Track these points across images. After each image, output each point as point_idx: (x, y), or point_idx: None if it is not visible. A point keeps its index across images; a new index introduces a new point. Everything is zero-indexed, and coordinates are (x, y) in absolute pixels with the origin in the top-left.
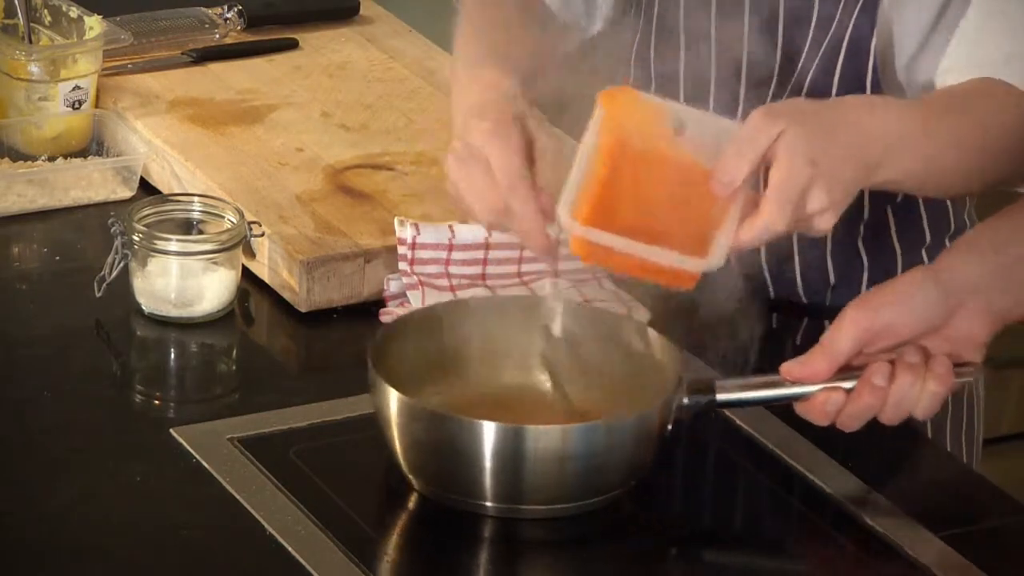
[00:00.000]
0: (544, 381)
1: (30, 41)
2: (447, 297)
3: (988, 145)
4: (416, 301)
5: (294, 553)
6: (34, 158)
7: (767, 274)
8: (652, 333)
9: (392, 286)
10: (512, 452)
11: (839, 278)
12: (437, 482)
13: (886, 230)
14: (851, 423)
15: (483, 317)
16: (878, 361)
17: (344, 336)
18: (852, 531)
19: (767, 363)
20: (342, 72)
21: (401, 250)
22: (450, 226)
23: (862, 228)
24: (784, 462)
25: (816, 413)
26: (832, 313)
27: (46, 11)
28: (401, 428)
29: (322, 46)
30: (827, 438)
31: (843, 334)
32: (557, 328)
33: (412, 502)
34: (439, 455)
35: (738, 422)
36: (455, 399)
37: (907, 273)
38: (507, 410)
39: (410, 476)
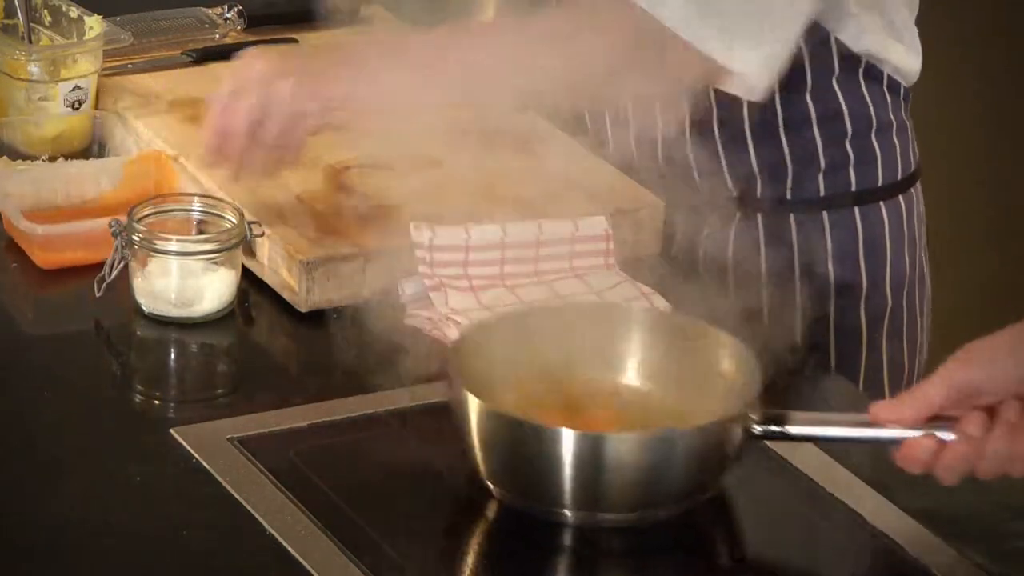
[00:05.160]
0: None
1: (30, 41)
2: (469, 298)
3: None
4: (440, 303)
5: (294, 553)
6: (34, 158)
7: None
8: (743, 350)
9: (407, 289)
10: (589, 459)
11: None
12: (514, 488)
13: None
14: (946, 474)
15: (561, 322)
16: (974, 412)
17: (344, 336)
18: (851, 530)
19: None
20: None
21: (419, 253)
22: (465, 228)
23: None
24: (785, 463)
25: (907, 460)
26: (761, 205)
27: (46, 11)
28: (481, 434)
29: (322, 46)
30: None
31: (936, 385)
32: None
33: (412, 502)
34: (518, 462)
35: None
36: (531, 404)
37: (1012, 327)
38: (582, 416)
39: (488, 483)
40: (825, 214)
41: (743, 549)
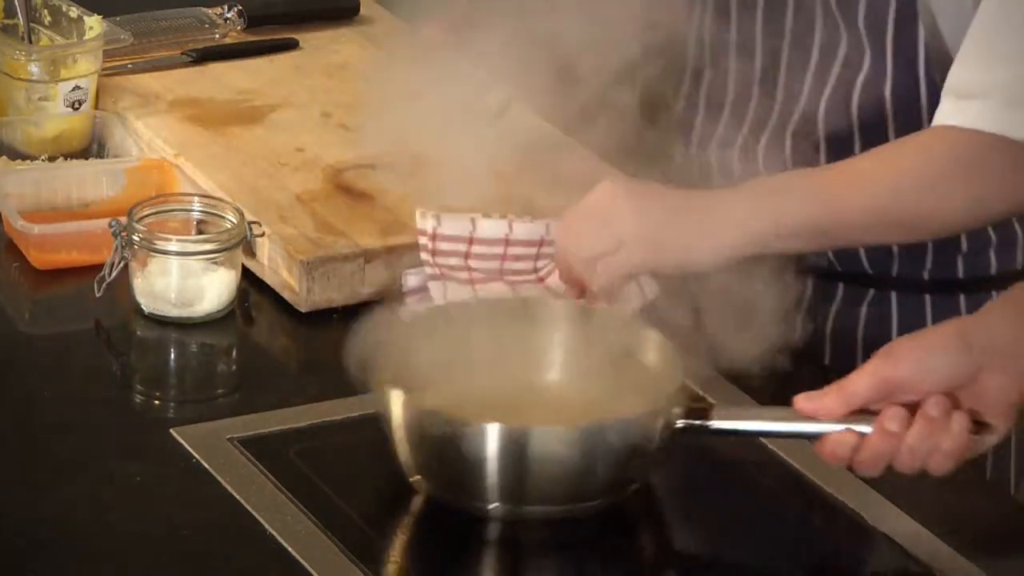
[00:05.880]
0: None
1: (30, 41)
2: (467, 290)
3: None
4: (438, 293)
5: (294, 553)
6: (34, 158)
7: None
8: (666, 344)
9: (410, 281)
10: (515, 453)
11: (903, 248)
12: (441, 483)
13: None
14: (865, 468)
15: (483, 318)
16: (894, 407)
17: (344, 336)
18: (851, 530)
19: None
20: (342, 72)
21: (422, 241)
22: (472, 219)
23: None
24: (786, 464)
25: (827, 454)
26: (897, 284)
27: (46, 11)
28: (407, 429)
29: (322, 46)
30: None
31: (861, 379)
32: None
33: (412, 503)
34: (443, 457)
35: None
36: (456, 399)
37: (939, 327)
38: (507, 411)
39: (416, 477)
40: (963, 297)
41: (669, 540)
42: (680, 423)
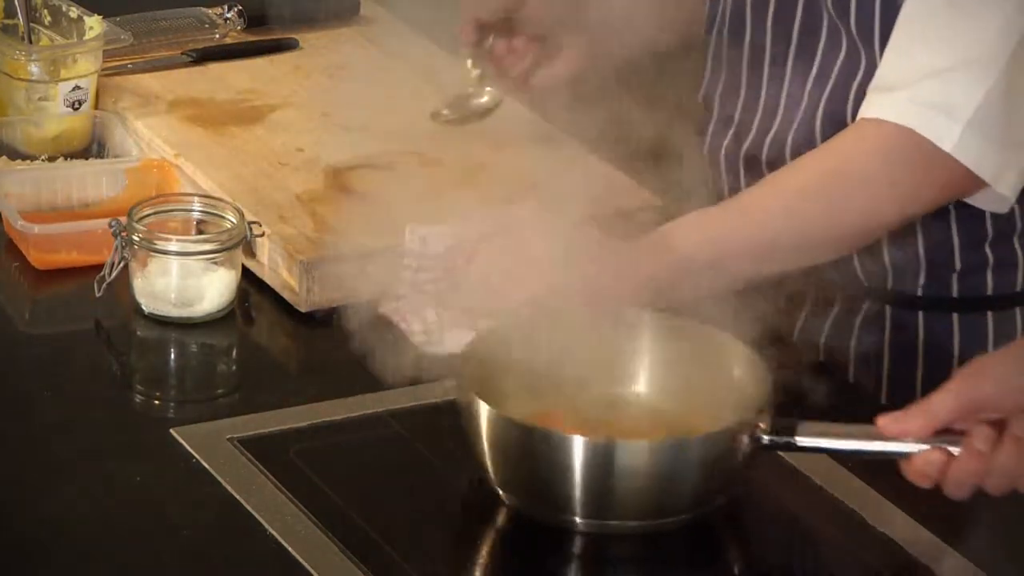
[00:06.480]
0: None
1: (30, 41)
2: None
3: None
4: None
5: (294, 553)
6: (34, 158)
7: (856, 263)
8: (755, 358)
9: (402, 288)
10: (599, 467)
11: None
12: (524, 494)
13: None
14: (955, 489)
15: (571, 328)
16: (981, 426)
17: (344, 336)
18: (851, 530)
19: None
20: (342, 72)
21: (407, 260)
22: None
23: (954, 221)
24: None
25: (916, 474)
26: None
27: (46, 11)
28: (491, 440)
29: (322, 46)
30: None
31: (946, 399)
32: None
33: (413, 502)
34: (528, 470)
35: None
36: (542, 411)
37: (1019, 343)
38: (593, 423)
39: (497, 489)
40: (956, 316)
41: (752, 558)
42: (766, 439)
